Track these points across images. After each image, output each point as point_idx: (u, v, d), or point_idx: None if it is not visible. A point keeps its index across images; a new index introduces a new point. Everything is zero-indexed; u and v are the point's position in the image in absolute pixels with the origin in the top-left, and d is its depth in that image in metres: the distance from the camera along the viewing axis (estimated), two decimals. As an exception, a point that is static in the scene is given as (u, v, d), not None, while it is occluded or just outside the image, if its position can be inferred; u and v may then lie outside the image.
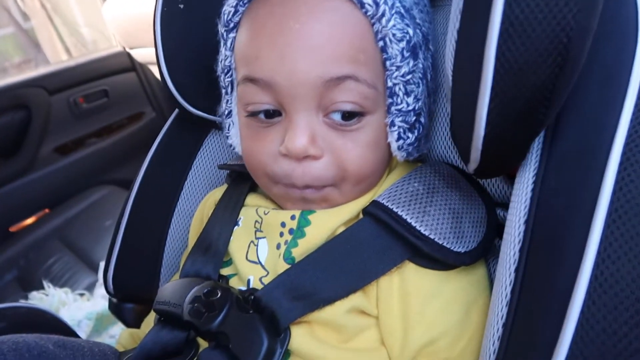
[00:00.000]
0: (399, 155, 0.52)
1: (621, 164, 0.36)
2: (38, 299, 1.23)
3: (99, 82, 1.88)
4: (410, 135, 0.51)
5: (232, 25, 0.53)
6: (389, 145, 0.52)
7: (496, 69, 0.36)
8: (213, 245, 0.56)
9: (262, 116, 0.50)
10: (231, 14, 0.52)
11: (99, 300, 1.17)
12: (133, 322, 0.75)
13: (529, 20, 0.34)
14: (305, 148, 0.47)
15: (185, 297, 0.51)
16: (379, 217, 0.48)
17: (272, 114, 0.50)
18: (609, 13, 0.40)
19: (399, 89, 0.48)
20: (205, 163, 0.75)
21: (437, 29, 0.62)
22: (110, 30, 1.96)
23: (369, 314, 0.49)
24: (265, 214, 0.54)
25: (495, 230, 0.51)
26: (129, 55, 1.95)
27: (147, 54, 1.85)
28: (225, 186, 0.66)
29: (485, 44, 0.36)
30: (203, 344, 0.52)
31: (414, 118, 0.50)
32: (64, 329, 0.68)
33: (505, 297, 0.41)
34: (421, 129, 0.52)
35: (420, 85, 0.50)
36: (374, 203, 0.49)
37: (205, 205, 0.66)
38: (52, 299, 1.20)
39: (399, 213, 0.48)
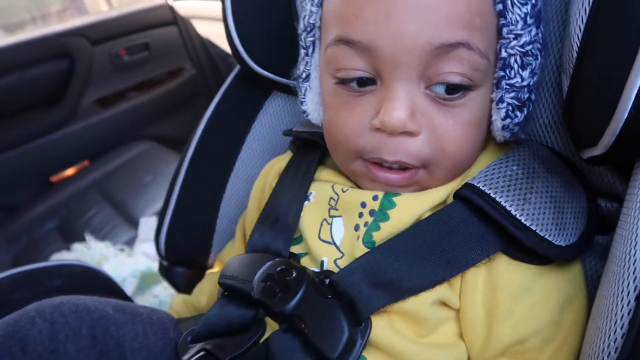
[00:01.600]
0: (500, 136, 0.46)
1: None
2: (80, 252, 1.24)
3: (141, 34, 1.84)
4: (519, 114, 0.45)
5: None
6: (489, 124, 0.46)
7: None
8: (282, 219, 0.52)
9: (354, 84, 0.44)
10: None
11: (140, 257, 1.16)
12: (183, 286, 0.74)
13: None
14: (403, 122, 0.41)
15: (255, 274, 0.48)
16: (475, 202, 0.43)
17: (365, 82, 0.44)
18: None
19: (515, 60, 0.42)
20: (265, 127, 0.71)
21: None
22: (153, -20, 1.91)
23: (451, 307, 0.45)
24: (343, 192, 0.49)
25: (597, 222, 0.46)
26: (171, 8, 1.90)
27: (189, 7, 1.80)
28: (288, 154, 0.61)
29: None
30: (271, 324, 0.49)
31: (527, 95, 0.44)
32: (117, 291, 0.67)
33: (628, 305, 0.36)
34: (531, 107, 0.46)
35: (539, 57, 0.44)
36: (468, 186, 0.44)
37: (268, 173, 0.61)
38: (94, 252, 1.20)
39: (497, 199, 0.42)
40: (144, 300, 1.04)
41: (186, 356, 0.48)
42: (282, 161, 0.60)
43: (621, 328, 0.36)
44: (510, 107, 0.44)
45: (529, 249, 0.42)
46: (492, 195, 0.43)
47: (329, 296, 0.44)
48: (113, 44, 1.77)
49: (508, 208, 0.42)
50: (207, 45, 1.95)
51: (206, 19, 1.75)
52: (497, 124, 0.45)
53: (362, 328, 0.42)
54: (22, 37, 1.59)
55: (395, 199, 0.46)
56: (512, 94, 0.44)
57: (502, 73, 0.43)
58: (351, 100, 0.45)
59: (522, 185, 0.44)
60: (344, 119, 0.46)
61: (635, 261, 0.36)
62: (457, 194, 0.45)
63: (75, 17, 2.44)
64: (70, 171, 1.73)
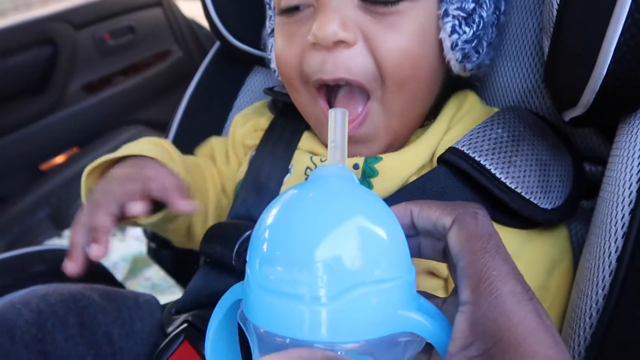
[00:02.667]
0: (454, 61, 0.44)
1: None
2: (72, 238, 1.23)
3: (125, 17, 1.80)
4: (467, 29, 0.43)
5: None
6: (442, 59, 0.44)
7: (638, -11, 0.29)
8: (264, 185, 0.51)
9: (295, 12, 0.45)
10: None
11: (132, 242, 1.16)
12: (173, 268, 0.73)
13: None
14: (334, 30, 0.40)
15: (236, 242, 0.47)
16: (459, 166, 0.42)
17: (299, 7, 0.44)
18: None
19: None
20: (247, 103, 0.70)
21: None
22: (135, -39, 1.86)
23: (439, 276, 0.44)
24: (321, 161, 0.49)
25: (582, 185, 0.45)
26: (155, -11, 1.86)
27: (174, -13, 1.76)
28: (263, 112, 0.60)
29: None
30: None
31: (472, 5, 0.42)
32: (103, 273, 0.66)
33: (609, 266, 0.35)
34: (481, 25, 0.44)
35: None
36: (452, 150, 0.43)
37: (239, 129, 0.60)
38: (85, 238, 1.19)
39: (482, 162, 0.42)
40: (137, 283, 1.04)
41: (170, 328, 0.48)
42: (259, 118, 0.59)
43: (603, 289, 0.35)
44: (456, 21, 0.43)
45: (515, 213, 0.41)
46: (477, 158, 0.42)
47: None
48: (97, 28, 1.74)
49: (493, 171, 0.41)
50: (193, 27, 1.92)
51: (191, -1, 1.72)
52: (446, 42, 0.43)
53: None
54: (2, 24, 1.55)
55: (376, 165, 0.46)
56: (456, 4, 0.42)
57: None
58: (293, 28, 0.45)
59: (507, 148, 0.43)
60: (288, 46, 0.46)
61: (616, 222, 0.36)
62: (442, 158, 0.44)
63: (58, 3, 2.40)
64: (60, 159, 1.71)
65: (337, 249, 0.25)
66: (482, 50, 0.45)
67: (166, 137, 0.70)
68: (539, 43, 0.49)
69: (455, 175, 0.43)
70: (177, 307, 0.50)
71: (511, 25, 0.52)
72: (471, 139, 0.43)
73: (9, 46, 1.54)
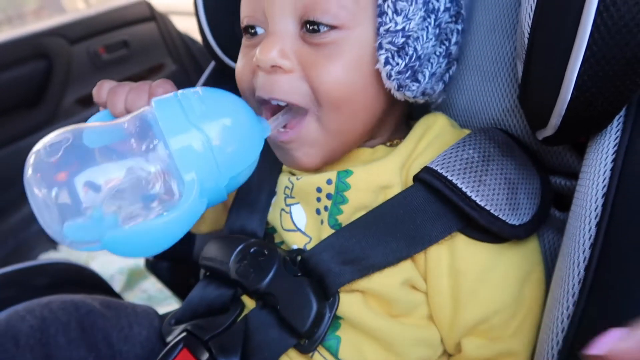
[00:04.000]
0: (393, 89, 0.47)
1: None
2: (67, 251, 1.25)
3: (119, 32, 1.83)
4: (399, 60, 0.46)
5: None
6: (383, 85, 0.47)
7: (595, 24, 0.32)
8: (254, 200, 0.55)
9: (250, 35, 0.50)
10: None
11: (128, 254, 1.17)
12: (168, 279, 0.75)
13: (644, -31, 0.30)
14: (272, 58, 0.45)
15: (231, 255, 0.50)
16: (433, 184, 0.45)
17: (256, 32, 0.49)
18: None
19: (388, 5, 0.44)
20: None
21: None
22: (129, -23, 1.90)
23: (420, 290, 0.47)
24: (297, 180, 0.52)
25: (549, 202, 0.48)
26: (148, 4, 1.89)
27: (168, 3, 1.80)
28: None
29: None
30: (249, 303, 0.51)
31: (403, 40, 0.45)
32: (102, 285, 0.68)
33: (578, 275, 0.38)
34: (414, 57, 0.47)
35: (414, 4, 0.45)
36: (427, 169, 0.46)
37: None
38: (81, 252, 1.21)
39: (454, 181, 0.45)
40: (133, 295, 1.06)
41: (170, 337, 0.50)
42: None
43: (573, 296, 0.38)
44: (389, 53, 0.45)
45: (485, 229, 0.44)
46: (450, 177, 0.45)
47: (299, 274, 0.47)
48: (91, 43, 1.76)
49: (464, 190, 0.44)
50: (187, 41, 1.95)
51: (184, 14, 1.75)
52: (382, 72, 0.46)
53: (330, 302, 0.45)
54: (-3, 39, 1.58)
55: (348, 180, 0.49)
56: (388, 39, 0.45)
57: (379, 20, 0.45)
58: (250, 48, 0.49)
59: (478, 168, 0.46)
60: (243, 65, 0.50)
61: (584, 234, 0.39)
62: (417, 177, 0.47)
63: (52, 16, 2.42)
64: (54, 172, 1.73)
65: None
66: (424, 79, 0.48)
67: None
68: (515, 66, 0.53)
69: (431, 193, 0.46)
70: (177, 318, 0.53)
71: (489, 47, 0.56)
72: (444, 159, 0.47)
73: (4, 60, 1.56)
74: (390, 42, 0.45)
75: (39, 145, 0.36)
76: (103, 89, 0.46)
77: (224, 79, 0.73)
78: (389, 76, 0.46)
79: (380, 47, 0.45)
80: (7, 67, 1.56)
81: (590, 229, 0.38)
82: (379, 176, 0.48)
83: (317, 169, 0.51)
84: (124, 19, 1.86)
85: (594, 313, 0.36)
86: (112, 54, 1.82)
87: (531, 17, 0.40)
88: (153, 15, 1.93)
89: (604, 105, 0.36)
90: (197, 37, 1.86)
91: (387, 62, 0.45)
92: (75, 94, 1.75)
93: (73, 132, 0.38)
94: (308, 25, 0.45)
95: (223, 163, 0.39)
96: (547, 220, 0.53)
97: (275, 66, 0.45)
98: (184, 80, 2.03)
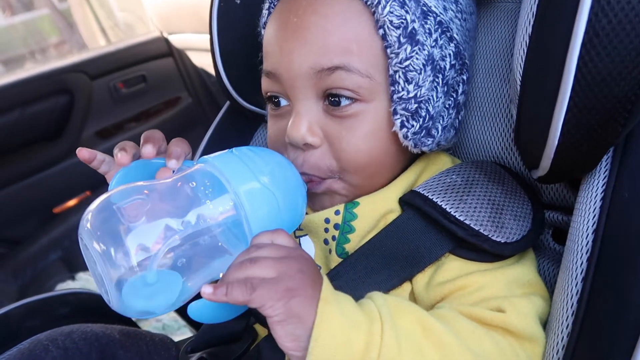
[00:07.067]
0: (408, 145, 0.51)
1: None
2: (85, 280, 1.28)
3: (137, 67, 1.91)
4: (414, 123, 0.50)
5: (263, 25, 0.57)
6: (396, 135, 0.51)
7: (576, 79, 0.36)
8: None
9: (274, 104, 0.54)
10: (265, 16, 0.57)
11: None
12: (182, 308, 0.78)
13: (616, 31, 0.33)
14: (303, 136, 0.49)
15: None
16: (416, 204, 0.49)
17: (279, 103, 0.53)
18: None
19: (399, 76, 0.48)
20: (255, 156, 0.76)
21: (495, 25, 0.61)
22: (148, 15, 1.99)
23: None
24: (305, 214, 0.55)
25: (541, 227, 0.50)
26: (166, 40, 1.97)
27: (184, 39, 1.87)
28: None
29: (567, 54, 0.35)
30: (261, 331, 0.54)
31: (415, 106, 0.49)
32: (120, 315, 0.71)
33: (571, 307, 0.41)
34: (427, 118, 0.50)
35: (423, 72, 0.48)
36: (412, 192, 0.50)
37: None
38: (98, 280, 1.24)
39: (434, 200, 0.48)
40: (148, 324, 1.08)
41: None
42: None
43: (567, 327, 0.40)
44: (404, 118, 0.49)
45: (470, 244, 0.46)
46: (430, 197, 0.49)
47: None
48: (111, 78, 1.83)
49: (444, 206, 0.48)
50: (202, 75, 2.02)
51: (200, 50, 1.83)
52: (399, 133, 0.50)
53: None
54: (23, 75, 1.65)
55: (355, 210, 0.52)
56: (402, 106, 0.49)
57: (392, 88, 0.49)
58: (277, 118, 0.54)
59: (459, 189, 0.49)
60: (274, 133, 0.55)
61: (576, 268, 0.41)
62: (402, 199, 0.51)
63: (73, 51, 2.52)
64: (72, 202, 1.78)
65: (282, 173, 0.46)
66: (437, 134, 0.52)
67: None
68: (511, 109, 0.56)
69: (421, 217, 0.49)
70: (192, 346, 0.55)
71: (488, 89, 0.59)
72: (427, 183, 0.51)
73: (29, 96, 1.63)
74: (404, 109, 0.49)
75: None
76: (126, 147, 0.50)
77: (239, 118, 0.77)
78: (406, 137, 0.50)
79: (395, 112, 0.49)
80: (32, 101, 1.63)
81: (582, 263, 0.41)
82: (382, 204, 0.52)
83: None
84: (143, 55, 1.93)
85: (588, 345, 0.38)
86: (131, 89, 1.90)
87: (522, 66, 0.44)
88: (171, 51, 2.01)
89: (590, 150, 0.39)
90: (212, 71, 1.94)
91: (402, 126, 0.50)
92: (95, 127, 1.82)
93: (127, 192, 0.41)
94: (330, 97, 0.49)
95: (284, 206, 0.44)
96: (546, 253, 0.55)
97: (306, 143, 0.50)
98: (199, 112, 2.09)
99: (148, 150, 0.47)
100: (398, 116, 0.49)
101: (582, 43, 0.35)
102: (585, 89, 0.36)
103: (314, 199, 0.54)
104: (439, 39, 0.50)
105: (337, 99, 0.49)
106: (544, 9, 0.39)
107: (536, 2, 0.41)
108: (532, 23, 0.41)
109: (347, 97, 0.49)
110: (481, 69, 0.61)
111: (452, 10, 0.53)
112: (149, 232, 0.38)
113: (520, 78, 0.44)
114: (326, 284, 0.39)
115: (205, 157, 0.46)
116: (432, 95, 0.50)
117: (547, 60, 0.38)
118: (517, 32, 0.45)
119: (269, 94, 0.54)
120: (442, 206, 0.47)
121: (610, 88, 0.35)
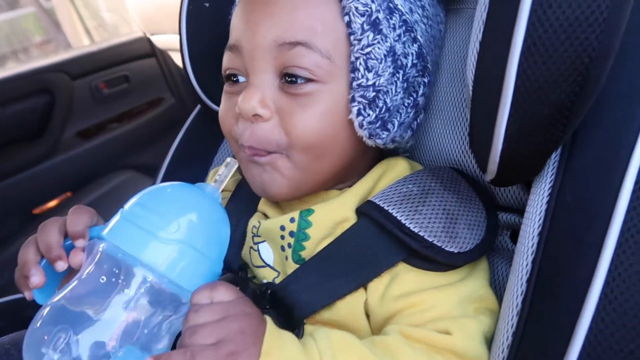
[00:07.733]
0: (364, 137, 0.52)
1: (637, 182, 0.37)
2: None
3: (120, 67, 1.90)
4: (370, 112, 0.50)
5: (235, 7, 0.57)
6: (356, 133, 0.51)
7: (516, 86, 0.37)
8: (235, 243, 0.58)
9: (231, 81, 0.54)
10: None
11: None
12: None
13: (552, 40, 0.35)
14: (253, 107, 0.49)
15: None
16: (372, 215, 0.50)
17: (236, 80, 0.53)
18: (637, 21, 0.40)
19: (360, 63, 0.49)
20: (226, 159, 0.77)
21: (458, 31, 0.62)
22: (131, 15, 1.98)
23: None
24: (264, 220, 0.57)
25: (494, 235, 0.52)
26: (149, 41, 1.96)
27: (167, 40, 1.86)
28: (236, 176, 0.67)
29: (507, 62, 0.37)
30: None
31: (373, 94, 0.50)
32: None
33: (517, 307, 0.42)
34: (384, 109, 0.51)
35: (383, 62, 0.50)
36: (368, 203, 0.51)
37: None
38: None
39: (390, 211, 0.49)
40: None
41: None
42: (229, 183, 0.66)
43: (512, 327, 0.42)
44: (361, 106, 0.50)
45: (423, 256, 0.48)
46: (386, 208, 0.49)
47: (267, 307, 0.51)
48: (93, 78, 1.82)
49: (399, 218, 0.48)
50: (185, 76, 2.01)
51: (183, 51, 1.82)
52: (355, 122, 0.51)
53: (295, 333, 0.48)
54: (3, 74, 1.64)
55: (310, 217, 0.53)
56: (360, 93, 0.50)
57: (352, 75, 0.50)
58: (231, 95, 0.54)
59: (415, 200, 0.50)
60: (225, 109, 0.55)
61: (522, 269, 0.43)
62: (359, 210, 0.51)
63: (58, 50, 2.50)
64: (52, 203, 1.77)
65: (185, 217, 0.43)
66: (393, 128, 0.53)
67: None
68: (471, 111, 0.57)
69: (375, 226, 0.50)
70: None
71: (451, 93, 0.61)
72: (384, 193, 0.51)
73: (9, 95, 1.62)
74: (362, 96, 0.50)
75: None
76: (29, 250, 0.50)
77: (209, 121, 0.78)
78: (361, 126, 0.51)
79: (353, 99, 0.50)
80: (11, 101, 1.62)
81: (527, 264, 0.42)
82: (337, 212, 0.52)
83: (283, 200, 0.56)
84: (125, 55, 1.92)
85: (528, 344, 0.40)
86: (113, 89, 1.88)
87: (473, 72, 0.45)
88: (153, 51, 2.00)
89: (533, 154, 0.41)
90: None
91: (359, 114, 0.50)
92: (76, 127, 1.80)
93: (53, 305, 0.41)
94: (287, 77, 0.50)
95: (203, 247, 0.44)
96: (504, 254, 0.57)
97: (256, 115, 0.50)
98: (182, 113, 2.09)
99: (60, 266, 0.46)
100: (355, 103, 0.50)
101: (522, 51, 0.36)
102: (525, 95, 0.37)
103: (252, 168, 0.53)
104: (402, 35, 0.51)
105: (293, 79, 0.49)
106: (490, 18, 0.41)
107: (486, 10, 0.42)
108: (482, 30, 0.43)
109: (304, 77, 0.49)
110: (445, 73, 0.62)
111: (419, 14, 0.54)
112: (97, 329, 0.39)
113: (472, 84, 0.45)
114: (268, 336, 0.40)
115: (100, 229, 0.44)
116: (391, 89, 0.51)
117: (492, 67, 0.39)
118: (470, 39, 0.46)
119: (227, 71, 0.54)
120: (398, 218, 0.48)
121: (547, 95, 0.36)
